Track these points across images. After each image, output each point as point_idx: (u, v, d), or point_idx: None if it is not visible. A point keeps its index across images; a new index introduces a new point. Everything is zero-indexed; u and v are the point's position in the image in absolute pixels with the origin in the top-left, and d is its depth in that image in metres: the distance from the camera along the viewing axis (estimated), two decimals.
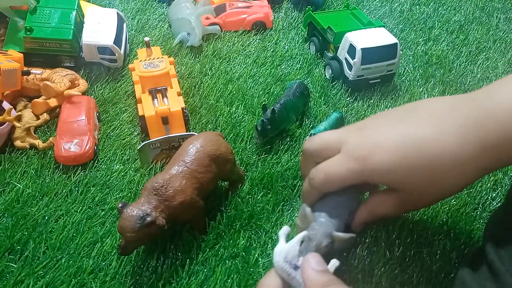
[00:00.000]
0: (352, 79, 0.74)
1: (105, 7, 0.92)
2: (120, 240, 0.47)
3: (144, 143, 0.60)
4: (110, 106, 0.73)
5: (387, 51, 0.73)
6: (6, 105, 0.63)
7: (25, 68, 0.70)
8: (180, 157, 0.52)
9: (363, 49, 0.71)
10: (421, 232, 0.55)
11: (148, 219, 0.46)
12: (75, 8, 0.75)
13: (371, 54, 0.72)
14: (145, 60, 0.66)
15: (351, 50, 0.73)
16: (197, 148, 0.53)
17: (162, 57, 0.67)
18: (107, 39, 0.74)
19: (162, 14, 0.95)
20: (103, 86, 0.76)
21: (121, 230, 0.46)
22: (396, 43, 0.73)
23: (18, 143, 0.63)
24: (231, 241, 0.53)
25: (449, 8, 1.02)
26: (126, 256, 0.50)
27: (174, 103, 0.63)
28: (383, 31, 0.75)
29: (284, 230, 0.41)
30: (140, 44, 0.86)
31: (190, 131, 0.67)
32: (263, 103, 0.64)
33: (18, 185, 0.59)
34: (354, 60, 0.72)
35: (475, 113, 0.38)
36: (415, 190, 0.41)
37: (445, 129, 0.40)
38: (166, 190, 0.49)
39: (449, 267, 0.51)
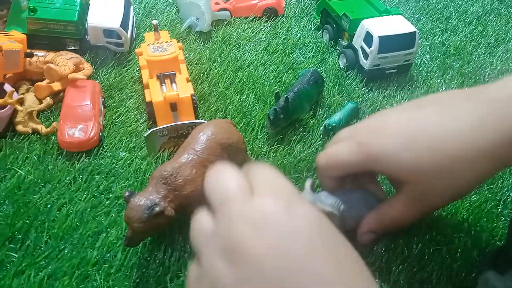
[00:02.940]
0: (368, 69, 0.71)
1: None
2: (127, 230, 0.45)
3: (151, 130, 0.57)
4: (115, 92, 0.70)
5: (405, 40, 0.70)
6: (7, 87, 0.60)
7: (28, 50, 0.67)
8: (190, 145, 0.49)
9: (380, 37, 0.68)
10: (441, 229, 0.52)
11: (157, 209, 0.43)
12: None
13: (389, 43, 0.69)
14: (153, 44, 0.63)
15: (368, 38, 0.70)
16: (208, 136, 0.50)
17: (170, 41, 0.64)
18: (114, 22, 0.71)
19: None
20: (109, 70, 0.73)
21: (128, 220, 0.44)
22: (415, 31, 0.70)
23: (20, 127, 0.61)
24: None
25: None
26: (132, 248, 0.48)
27: (183, 89, 0.61)
28: (401, 19, 0.72)
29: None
30: (148, 29, 0.83)
31: (199, 119, 0.64)
32: (276, 91, 0.61)
33: (19, 171, 0.57)
34: (370, 48, 0.69)
35: (490, 106, 0.37)
36: (423, 181, 0.39)
37: (457, 115, 0.38)
38: (176, 179, 0.46)
39: (470, 266, 0.49)
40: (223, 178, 0.29)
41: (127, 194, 0.45)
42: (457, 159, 0.37)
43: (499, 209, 0.55)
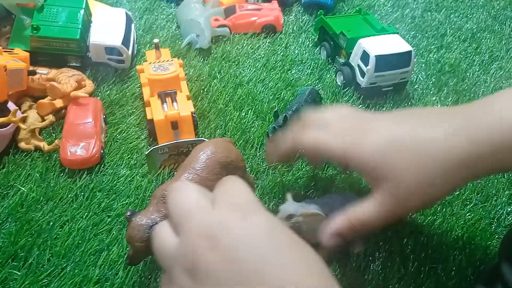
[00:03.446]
0: (365, 86, 0.73)
1: (112, 5, 0.90)
2: (128, 249, 0.46)
3: (152, 148, 0.58)
4: (116, 108, 0.71)
5: (401, 59, 0.72)
6: (11, 105, 0.61)
7: (31, 68, 0.68)
8: (190, 165, 0.50)
9: (377, 56, 0.70)
10: (436, 246, 0.53)
11: None
12: (83, 7, 0.73)
13: (385, 62, 0.70)
14: (154, 63, 0.64)
15: (365, 56, 0.72)
16: (208, 155, 0.51)
17: (172, 60, 0.65)
18: (116, 40, 0.72)
19: (170, 15, 0.94)
20: (110, 87, 0.74)
21: (130, 239, 0.44)
22: (411, 51, 0.72)
23: (22, 144, 0.62)
24: None
25: (461, 15, 1.01)
26: (133, 266, 0.49)
27: (183, 107, 0.62)
28: (397, 38, 0.74)
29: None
30: (148, 45, 0.84)
31: (198, 136, 0.65)
32: (275, 109, 0.62)
33: (22, 188, 0.57)
34: (367, 67, 0.71)
35: (468, 121, 0.39)
36: (399, 184, 0.40)
37: (435, 125, 0.40)
38: None
39: (465, 284, 0.50)
40: (183, 196, 0.31)
41: (128, 213, 0.45)
42: (433, 165, 0.39)
43: (493, 227, 0.57)
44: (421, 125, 0.41)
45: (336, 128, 0.45)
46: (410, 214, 0.55)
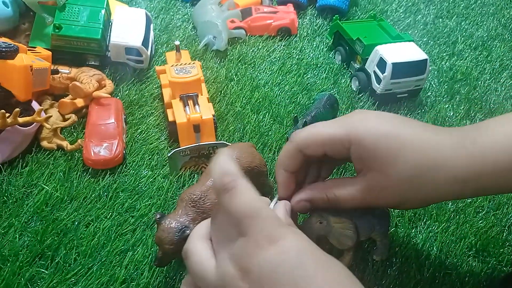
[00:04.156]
0: (380, 93, 0.74)
1: (128, 3, 0.91)
2: (157, 251, 0.47)
3: (174, 150, 0.59)
4: (136, 109, 0.72)
5: (417, 67, 0.73)
6: (35, 105, 0.62)
7: (53, 67, 0.68)
8: None
9: (394, 64, 0.71)
10: (450, 253, 0.55)
11: (187, 232, 0.45)
12: (104, 6, 0.73)
13: (401, 69, 0.72)
14: (176, 65, 0.65)
15: (381, 63, 0.73)
16: None
17: (193, 63, 0.66)
18: (136, 40, 0.73)
19: (185, 15, 0.94)
20: (129, 87, 0.75)
21: (159, 241, 0.46)
22: (426, 59, 0.73)
23: (45, 143, 0.62)
24: None
25: (472, 22, 1.02)
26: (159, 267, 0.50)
27: (205, 110, 0.63)
28: (413, 46, 0.75)
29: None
30: (165, 45, 0.85)
31: (218, 139, 0.66)
32: (295, 114, 0.63)
33: (46, 187, 0.58)
34: (384, 74, 0.72)
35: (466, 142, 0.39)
36: (391, 175, 0.40)
37: (441, 134, 0.40)
38: (204, 203, 0.48)
39: None
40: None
41: (158, 216, 0.47)
42: (431, 167, 0.39)
43: (504, 235, 0.58)
44: (425, 129, 0.41)
45: (330, 121, 0.44)
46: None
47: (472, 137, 0.39)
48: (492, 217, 0.60)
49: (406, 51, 0.74)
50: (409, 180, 0.40)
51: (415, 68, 0.73)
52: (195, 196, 0.48)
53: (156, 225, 0.54)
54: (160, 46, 0.85)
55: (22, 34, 0.75)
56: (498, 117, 0.42)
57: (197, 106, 0.63)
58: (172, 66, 0.65)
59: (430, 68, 0.83)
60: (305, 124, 0.62)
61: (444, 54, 0.91)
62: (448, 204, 0.60)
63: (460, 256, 0.55)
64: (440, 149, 0.39)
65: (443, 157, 0.39)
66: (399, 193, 0.41)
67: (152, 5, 0.95)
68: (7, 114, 0.56)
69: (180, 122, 0.61)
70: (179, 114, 0.62)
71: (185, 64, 0.65)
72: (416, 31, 0.97)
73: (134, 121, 0.70)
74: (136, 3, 0.95)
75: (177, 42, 0.69)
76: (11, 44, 0.58)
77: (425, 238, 0.56)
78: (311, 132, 0.43)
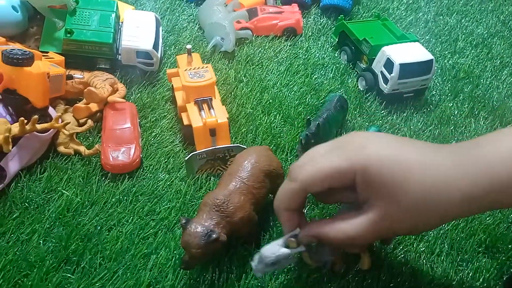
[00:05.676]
0: (387, 93, 0.76)
1: (133, 4, 0.91)
2: (183, 255, 0.48)
3: (191, 154, 0.60)
4: (148, 112, 0.72)
5: (423, 67, 0.75)
6: (52, 111, 0.62)
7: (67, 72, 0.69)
8: (236, 173, 0.53)
9: (401, 64, 0.72)
10: (461, 249, 0.57)
11: (214, 236, 0.47)
12: (114, 10, 0.74)
13: (408, 69, 0.73)
14: (190, 69, 0.66)
15: (388, 64, 0.74)
16: (252, 164, 0.54)
17: (206, 66, 0.67)
18: (147, 44, 0.74)
19: (191, 15, 0.94)
20: (140, 90, 0.75)
21: (186, 245, 0.47)
22: (432, 59, 0.75)
23: (61, 148, 0.63)
24: None
25: (472, 19, 1.04)
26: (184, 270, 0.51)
27: (220, 114, 0.64)
28: (419, 46, 0.77)
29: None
30: (173, 46, 0.85)
31: (231, 140, 0.67)
32: (308, 117, 0.65)
33: (66, 192, 0.59)
34: (391, 74, 0.73)
35: (474, 160, 0.38)
36: (397, 204, 0.39)
37: (442, 153, 0.40)
38: (227, 207, 0.50)
39: (490, 286, 0.54)
40: None
41: (184, 221, 0.48)
42: (435, 190, 0.38)
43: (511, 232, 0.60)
44: (427, 149, 0.40)
45: (327, 147, 0.43)
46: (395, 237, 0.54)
47: (474, 155, 0.39)
48: (499, 213, 0.62)
49: (413, 52, 0.75)
50: (419, 205, 0.39)
51: (422, 68, 0.75)
52: (218, 201, 0.50)
53: (177, 228, 0.56)
54: (168, 48, 0.85)
55: (32, 38, 0.75)
56: (495, 132, 0.41)
57: (212, 110, 0.64)
58: (185, 70, 0.66)
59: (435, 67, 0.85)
60: (317, 127, 0.64)
61: (446, 52, 0.92)
62: None
63: (470, 253, 0.57)
64: (443, 170, 0.38)
65: (447, 178, 0.38)
66: (410, 218, 0.40)
67: (157, 6, 0.95)
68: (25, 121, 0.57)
69: (196, 126, 0.62)
70: (195, 118, 0.63)
71: (198, 68, 0.66)
72: (418, 29, 0.98)
73: (147, 124, 0.70)
74: (141, 4, 0.95)
75: (188, 46, 0.69)
76: (26, 51, 0.58)
77: (436, 236, 0.58)
78: (314, 169, 0.42)
